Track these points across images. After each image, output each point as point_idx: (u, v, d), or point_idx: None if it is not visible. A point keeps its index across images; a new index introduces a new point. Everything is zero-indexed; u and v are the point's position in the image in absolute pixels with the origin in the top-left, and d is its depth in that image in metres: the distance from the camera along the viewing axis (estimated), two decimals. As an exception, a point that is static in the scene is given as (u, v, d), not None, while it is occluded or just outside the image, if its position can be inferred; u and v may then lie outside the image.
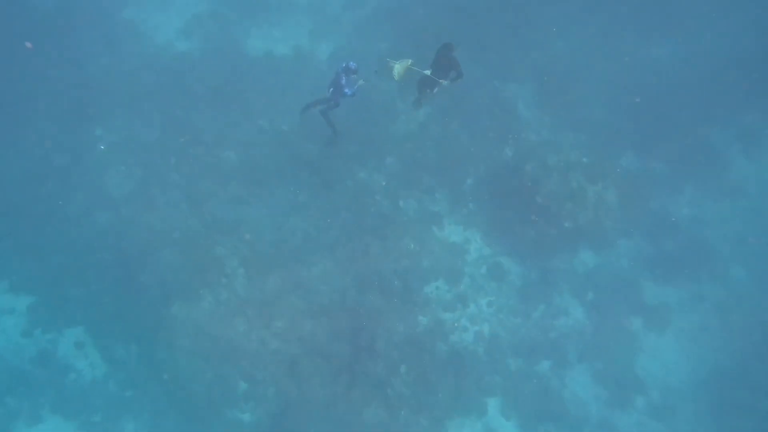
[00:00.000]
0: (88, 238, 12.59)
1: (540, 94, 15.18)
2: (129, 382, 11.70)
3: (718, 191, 14.48)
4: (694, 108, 14.99)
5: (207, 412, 11.25)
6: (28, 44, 13.80)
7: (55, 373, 11.69)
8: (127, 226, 12.64)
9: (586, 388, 12.41)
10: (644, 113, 14.89)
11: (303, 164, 13.59)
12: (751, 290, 13.13)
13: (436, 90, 10.67)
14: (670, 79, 15.34)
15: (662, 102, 14.92)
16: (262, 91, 14.32)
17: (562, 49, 15.66)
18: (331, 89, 10.98)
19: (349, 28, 16.00)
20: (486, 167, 14.10)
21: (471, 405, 11.92)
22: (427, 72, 10.26)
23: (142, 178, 13.34)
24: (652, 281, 13.29)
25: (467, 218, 13.76)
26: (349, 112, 13.95)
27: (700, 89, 15.16)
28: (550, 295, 13.04)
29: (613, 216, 12.90)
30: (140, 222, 12.64)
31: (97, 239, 12.56)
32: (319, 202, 13.36)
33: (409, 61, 10.20)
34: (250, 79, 14.57)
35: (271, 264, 12.45)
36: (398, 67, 10.00)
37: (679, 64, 15.74)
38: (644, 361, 12.66)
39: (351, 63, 10.68)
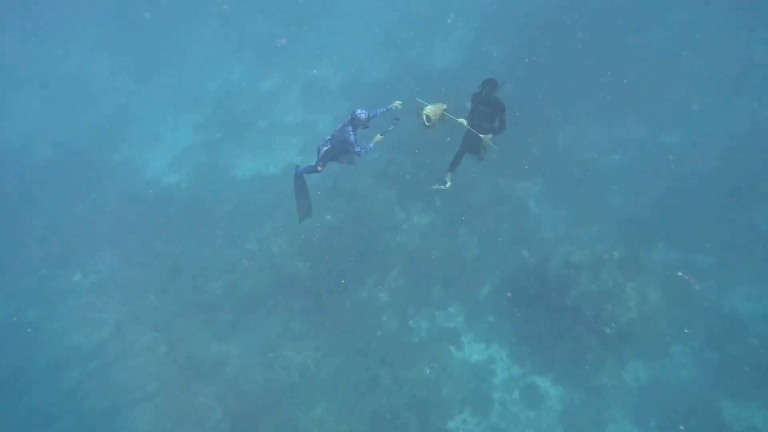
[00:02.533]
0: (50, 404, 10.73)
1: (551, 189, 14.00)
2: None
3: None
4: (721, 191, 13.62)
5: None
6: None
7: None
8: (94, 383, 10.83)
9: None
10: (668, 201, 13.58)
11: (295, 287, 12.06)
12: None
13: (482, 151, 8.22)
14: (687, 164, 14.31)
15: (686, 188, 13.68)
16: (249, 213, 13.35)
17: (566, 142, 14.78)
18: (325, 148, 8.05)
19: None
20: (502, 272, 12.40)
21: None
22: (463, 121, 7.87)
23: (117, 324, 11.81)
24: (729, 398, 10.53)
25: (489, 333, 11.73)
26: (344, 224, 12.78)
27: (722, 171, 14.00)
28: (602, 422, 10.44)
29: (661, 317, 10.78)
30: (110, 378, 10.86)
31: (60, 405, 10.68)
32: (316, 329, 11.60)
33: (444, 106, 7.99)
34: (237, 203, 13.67)
35: (261, 410, 10.32)
36: (430, 111, 7.83)
37: (692, 149, 14.87)
38: None
39: (359, 111, 7.90)
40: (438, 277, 12.36)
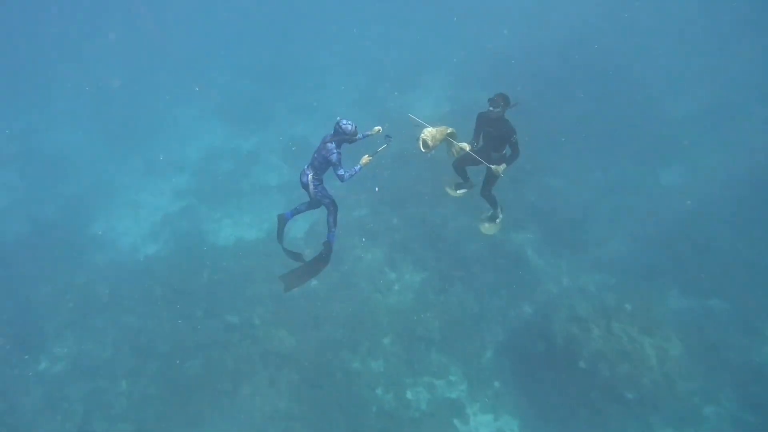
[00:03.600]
0: None
1: (550, 237, 13.24)
2: None
3: None
4: (727, 229, 13.02)
5: None
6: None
7: None
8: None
9: None
10: (675, 243, 12.86)
11: (281, 361, 10.97)
12: None
13: (491, 178, 6.95)
14: (689, 203, 13.66)
15: (691, 229, 13.01)
16: (230, 281, 12.43)
17: (561, 187, 14.15)
18: (310, 174, 6.60)
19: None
20: (505, 332, 11.40)
21: None
22: (465, 145, 6.71)
23: (84, 416, 10.61)
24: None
25: (496, 402, 10.57)
26: (331, 289, 11.87)
27: (725, 208, 13.39)
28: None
29: (687, 375, 9.67)
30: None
31: None
32: (304, 407, 10.46)
33: (449, 129, 6.90)
34: (218, 271, 12.78)
35: None
36: (429, 134, 6.67)
37: (692, 187, 14.38)
38: None
39: (344, 121, 6.38)
40: (436, 340, 11.31)
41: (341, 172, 6.35)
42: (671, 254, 12.61)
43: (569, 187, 14.25)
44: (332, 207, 6.95)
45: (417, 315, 11.63)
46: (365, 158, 6.33)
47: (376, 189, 9.31)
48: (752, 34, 19.19)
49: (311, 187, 6.59)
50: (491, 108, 6.46)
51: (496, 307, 11.82)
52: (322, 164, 6.48)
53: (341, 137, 6.36)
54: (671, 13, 20.61)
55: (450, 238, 13.09)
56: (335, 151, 6.37)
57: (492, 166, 6.64)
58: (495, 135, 6.70)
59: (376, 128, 6.72)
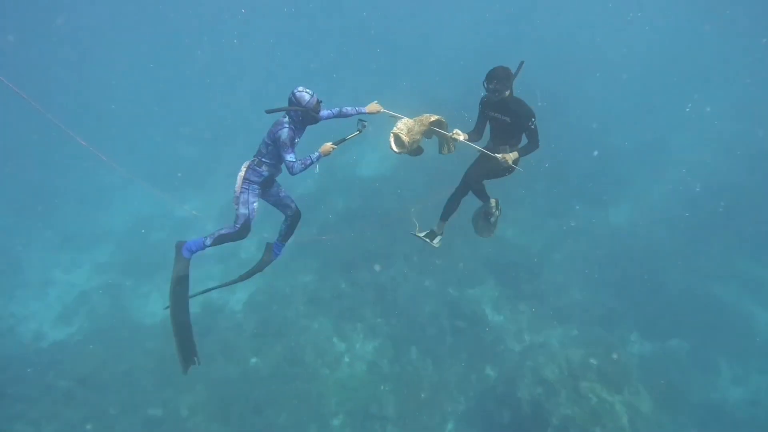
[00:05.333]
0: None
1: (507, 291, 12.80)
2: None
3: (757, 357, 11.51)
4: (676, 268, 13.20)
5: None
6: None
7: None
8: None
9: None
10: (629, 285, 12.81)
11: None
12: None
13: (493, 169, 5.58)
14: (637, 242, 13.89)
15: (643, 268, 13.02)
16: (155, 367, 10.96)
17: (514, 236, 13.88)
18: (244, 168, 5.44)
19: (267, 269, 13.72)
20: (467, 401, 10.60)
21: None
22: (458, 133, 5.45)
23: None
24: None
25: (463, 485, 9.49)
26: (273, 367, 10.74)
27: (672, 245, 13.72)
28: None
29: (656, 428, 9.25)
30: None
31: None
32: None
33: (432, 117, 5.59)
34: (141, 356, 11.33)
35: None
36: (404, 127, 5.47)
37: (639, 225, 14.66)
38: None
39: (300, 89, 5.11)
40: (391, 417, 10.28)
41: (290, 157, 5.06)
42: (627, 296, 12.57)
43: (523, 236, 14.01)
44: (293, 215, 5.90)
45: (370, 390, 10.62)
46: (328, 145, 5.16)
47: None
48: (682, 70, 20.64)
49: (237, 186, 5.38)
50: (487, 88, 5.13)
51: (456, 373, 11.00)
52: (269, 150, 5.17)
53: (298, 114, 5.06)
54: (605, 53, 21.94)
55: (403, 299, 12.35)
56: (287, 125, 5.01)
57: (498, 155, 5.25)
58: (504, 123, 5.29)
59: (375, 106, 5.57)
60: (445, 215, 6.11)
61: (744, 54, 22.14)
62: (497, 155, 5.29)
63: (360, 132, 5.49)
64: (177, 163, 18.86)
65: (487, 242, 13.49)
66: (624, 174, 15.73)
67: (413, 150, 5.65)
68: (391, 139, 5.47)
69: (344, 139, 5.35)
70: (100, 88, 24.16)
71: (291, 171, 5.09)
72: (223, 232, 5.69)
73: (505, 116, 5.31)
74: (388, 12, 27.61)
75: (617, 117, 18.32)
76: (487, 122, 5.57)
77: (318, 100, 5.15)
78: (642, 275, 12.85)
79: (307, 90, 5.09)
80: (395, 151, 5.51)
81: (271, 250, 6.17)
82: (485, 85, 5.18)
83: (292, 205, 5.90)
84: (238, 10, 28.08)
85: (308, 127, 5.41)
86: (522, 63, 5.11)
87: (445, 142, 5.95)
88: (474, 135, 5.64)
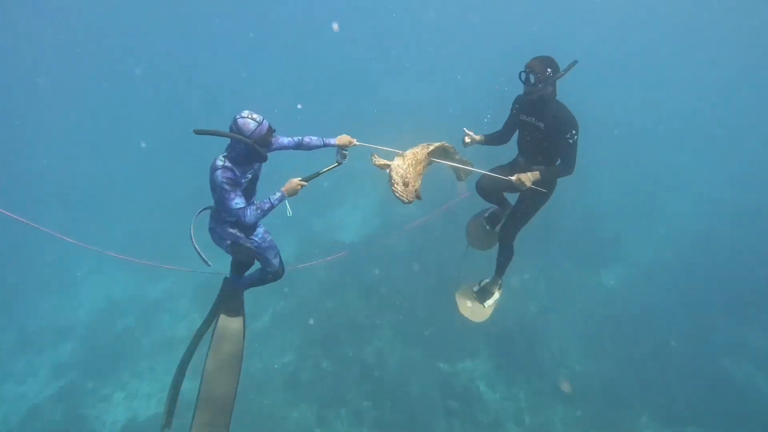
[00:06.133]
0: None
1: (502, 363, 12.02)
2: None
3: None
4: (678, 336, 12.40)
5: None
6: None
7: None
8: None
9: None
10: (628, 353, 12.05)
11: None
12: None
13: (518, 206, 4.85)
14: (632, 307, 13.24)
15: (641, 335, 12.37)
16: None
17: (504, 304, 13.13)
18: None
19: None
20: (467, 498, 9.49)
21: None
22: (472, 136, 4.76)
23: None
24: None
25: None
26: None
27: (671, 313, 12.99)
28: None
29: None
30: None
31: None
32: None
33: (432, 146, 4.68)
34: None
35: None
36: (400, 168, 4.37)
37: (635, 288, 14.05)
38: None
39: (244, 114, 4.13)
40: None
41: (236, 203, 4.13)
42: (629, 367, 11.71)
43: (515, 302, 13.33)
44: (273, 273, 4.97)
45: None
46: (294, 182, 4.27)
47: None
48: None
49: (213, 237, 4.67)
50: (525, 81, 4.13)
51: (453, 462, 10.04)
52: (216, 198, 4.29)
53: (240, 148, 4.09)
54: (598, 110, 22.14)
55: (390, 377, 11.48)
56: (220, 167, 4.09)
57: (513, 177, 4.27)
58: (537, 132, 4.30)
59: (346, 138, 4.75)
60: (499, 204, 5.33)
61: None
62: (512, 177, 4.28)
63: (339, 164, 4.70)
64: (154, 241, 17.99)
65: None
66: (613, 233, 15.38)
67: (416, 186, 4.38)
68: (393, 187, 4.27)
69: (318, 173, 4.47)
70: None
71: (243, 220, 4.22)
72: (256, 276, 5.16)
73: (539, 121, 4.30)
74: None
75: (605, 173, 18.22)
76: (517, 128, 4.63)
77: (269, 127, 4.18)
78: (642, 343, 12.17)
79: (254, 116, 4.09)
80: (403, 199, 4.24)
81: (229, 285, 5.34)
82: (522, 77, 4.18)
83: (274, 260, 4.92)
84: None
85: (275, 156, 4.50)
86: (575, 62, 4.23)
87: (460, 171, 5.14)
88: (497, 136, 4.79)
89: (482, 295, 5.69)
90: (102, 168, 23.53)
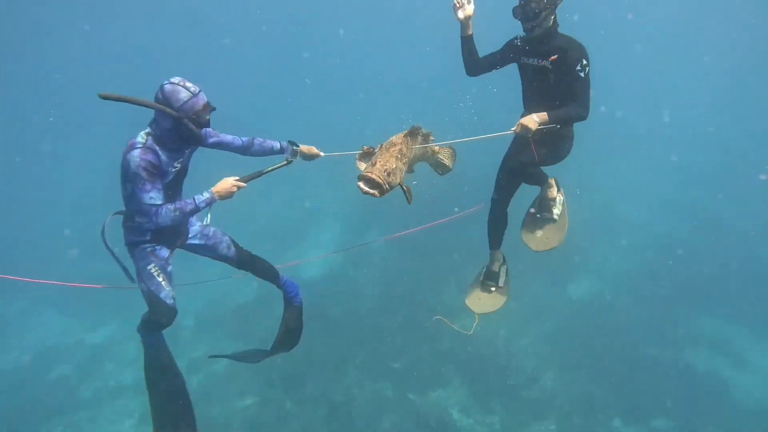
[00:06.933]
0: None
1: (475, 389, 11.62)
2: None
3: (743, 425, 10.97)
4: (645, 338, 12.72)
5: None
6: None
7: None
8: None
9: None
10: (601, 363, 12.00)
11: None
12: None
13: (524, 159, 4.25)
14: (601, 318, 13.29)
15: (612, 344, 12.39)
16: None
17: (476, 328, 12.91)
18: None
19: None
20: None
21: None
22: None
23: None
24: None
25: None
26: None
27: (637, 317, 13.26)
28: None
29: None
30: None
31: None
32: None
33: (402, 135, 4.03)
34: None
35: None
36: (380, 169, 3.66)
37: (600, 298, 14.14)
38: None
39: (172, 81, 3.34)
40: None
41: (150, 197, 3.29)
42: (602, 377, 11.72)
43: (485, 324, 13.04)
44: (250, 261, 4.37)
45: None
46: (228, 181, 3.53)
47: None
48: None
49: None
50: (523, 12, 3.58)
51: (429, 500, 9.53)
52: (127, 192, 3.47)
53: (166, 123, 3.30)
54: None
55: (359, 415, 10.97)
56: (139, 145, 3.29)
57: (513, 129, 3.68)
58: (543, 73, 3.74)
59: (312, 149, 4.28)
60: (495, 237, 4.89)
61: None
62: (512, 130, 3.67)
63: (289, 162, 4.12)
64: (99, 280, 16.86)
65: (447, 335, 12.52)
66: (577, 248, 15.49)
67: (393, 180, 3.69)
68: (361, 184, 3.64)
69: (261, 173, 3.76)
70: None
71: (154, 220, 3.34)
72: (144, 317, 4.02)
73: (543, 60, 3.71)
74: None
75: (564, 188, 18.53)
76: (497, 67, 4.06)
77: (207, 104, 3.37)
78: (613, 351, 12.23)
79: (187, 84, 3.31)
80: (371, 193, 3.62)
81: (289, 301, 4.94)
82: (517, 14, 3.65)
83: (229, 252, 4.31)
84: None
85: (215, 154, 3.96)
86: None
87: (436, 159, 4.55)
88: (475, 56, 4.06)
89: (487, 280, 5.20)
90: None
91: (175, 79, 3.32)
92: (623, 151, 21.12)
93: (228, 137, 4.00)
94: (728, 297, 13.77)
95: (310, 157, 4.38)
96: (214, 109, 3.48)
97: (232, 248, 4.34)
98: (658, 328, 12.96)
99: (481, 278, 5.28)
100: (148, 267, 3.76)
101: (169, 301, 3.79)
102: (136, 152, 3.29)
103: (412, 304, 13.13)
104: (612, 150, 20.69)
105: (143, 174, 3.27)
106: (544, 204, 4.97)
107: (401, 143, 3.85)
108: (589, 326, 12.98)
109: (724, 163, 20.56)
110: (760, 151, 20.47)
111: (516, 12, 3.71)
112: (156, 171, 3.35)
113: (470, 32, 4.13)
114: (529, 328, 13.19)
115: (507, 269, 4.99)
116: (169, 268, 3.94)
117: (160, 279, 3.77)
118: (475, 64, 4.24)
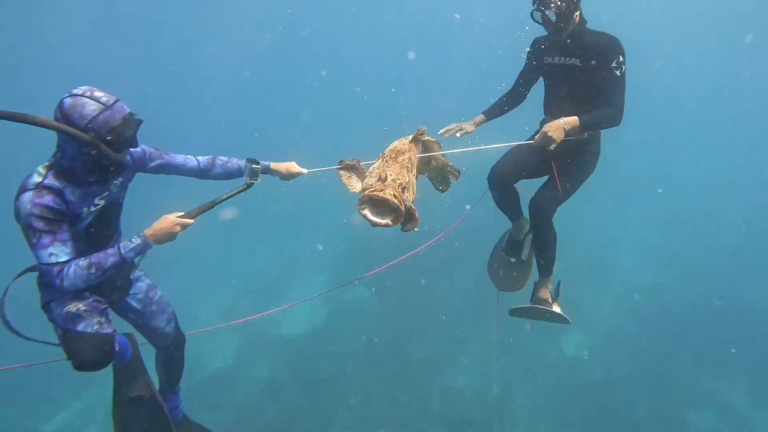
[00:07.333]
0: None
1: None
2: None
3: None
4: (644, 396, 12.20)
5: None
6: None
7: None
8: None
9: None
10: (600, 424, 11.53)
11: None
12: None
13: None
14: (597, 373, 12.92)
15: (609, 401, 11.94)
16: None
17: (468, 384, 12.65)
18: None
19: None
20: None
21: None
22: (464, 129, 3.88)
23: None
24: None
25: None
26: None
27: (633, 372, 12.77)
28: None
29: None
30: None
31: None
32: None
33: (407, 140, 3.26)
34: None
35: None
36: (374, 180, 2.93)
37: (596, 355, 13.54)
38: None
39: (74, 93, 2.55)
40: None
41: (47, 254, 2.57)
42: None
43: (476, 382, 12.56)
44: (169, 345, 3.53)
45: None
46: (171, 219, 2.76)
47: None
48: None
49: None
50: (545, 14, 3.12)
51: None
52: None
53: (72, 149, 2.58)
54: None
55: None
56: (31, 187, 2.60)
57: (533, 140, 3.27)
58: (572, 72, 3.26)
59: (293, 166, 3.62)
60: (512, 211, 4.25)
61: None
62: (535, 140, 3.23)
63: (249, 186, 3.38)
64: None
65: (433, 394, 11.93)
66: (568, 298, 15.21)
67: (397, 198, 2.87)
68: (366, 213, 2.82)
69: (214, 203, 3.05)
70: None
71: (58, 284, 2.59)
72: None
73: (571, 58, 3.27)
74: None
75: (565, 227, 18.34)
76: (540, 79, 3.60)
77: (129, 115, 2.65)
78: (611, 409, 11.73)
79: (97, 93, 2.57)
80: (385, 224, 2.83)
81: (164, 413, 3.75)
82: (537, 17, 3.20)
83: (167, 328, 3.49)
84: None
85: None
86: None
87: (441, 172, 3.66)
88: (510, 97, 3.67)
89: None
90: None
91: (79, 90, 2.59)
92: (606, 191, 21.07)
93: (178, 158, 3.30)
94: (726, 353, 13.25)
95: (288, 177, 3.61)
96: (140, 121, 2.71)
97: (172, 324, 3.58)
98: (656, 384, 12.48)
99: (503, 248, 4.60)
100: (66, 308, 2.89)
101: (90, 329, 2.85)
102: (27, 196, 2.56)
103: (399, 362, 12.60)
104: (594, 190, 20.61)
105: (37, 224, 2.53)
106: (539, 302, 4.59)
107: (409, 150, 3.09)
108: (585, 382, 12.54)
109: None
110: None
111: (533, 15, 3.30)
112: (58, 217, 2.59)
113: (479, 119, 4.00)
114: (523, 385, 12.66)
115: (531, 239, 4.35)
116: (103, 307, 3.04)
117: (80, 311, 2.86)
118: (517, 97, 3.89)
